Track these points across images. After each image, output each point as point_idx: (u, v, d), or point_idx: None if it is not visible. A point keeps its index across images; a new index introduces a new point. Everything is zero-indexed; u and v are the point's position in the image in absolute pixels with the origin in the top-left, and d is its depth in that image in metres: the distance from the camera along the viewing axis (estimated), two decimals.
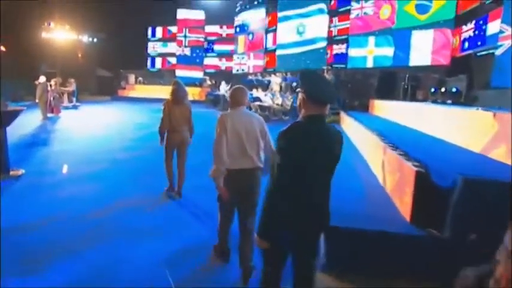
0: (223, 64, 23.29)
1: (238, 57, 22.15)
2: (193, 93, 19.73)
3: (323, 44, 15.67)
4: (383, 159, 4.34)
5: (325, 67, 15.07)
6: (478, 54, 9.07)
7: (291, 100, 13.44)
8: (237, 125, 2.61)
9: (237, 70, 22.16)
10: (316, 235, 1.94)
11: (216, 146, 2.58)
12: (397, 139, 4.64)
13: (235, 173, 2.60)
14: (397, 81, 11.30)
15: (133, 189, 4.83)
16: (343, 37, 14.68)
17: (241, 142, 2.61)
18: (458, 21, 10.30)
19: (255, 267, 2.64)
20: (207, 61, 23.64)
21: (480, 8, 9.31)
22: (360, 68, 14.08)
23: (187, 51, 23.09)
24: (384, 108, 9.55)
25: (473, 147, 4.01)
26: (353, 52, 14.26)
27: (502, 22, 7.88)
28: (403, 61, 12.20)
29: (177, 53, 23.16)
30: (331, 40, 15.31)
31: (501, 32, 7.90)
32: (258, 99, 15.21)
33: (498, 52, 7.99)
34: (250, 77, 20.44)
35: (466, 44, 9.80)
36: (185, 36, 23.00)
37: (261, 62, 20.03)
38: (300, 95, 1.82)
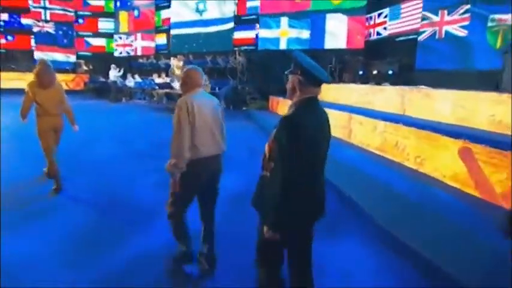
0: (100, 44, 19.33)
1: (120, 38, 18.87)
2: (64, 80, 15.78)
3: (230, 25, 14.74)
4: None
5: (236, 49, 14.33)
6: (397, 39, 10.05)
7: (209, 85, 12.23)
8: (203, 109, 2.41)
9: (120, 53, 18.91)
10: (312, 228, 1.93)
11: (178, 137, 2.31)
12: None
13: (204, 160, 2.42)
14: (322, 63, 11.60)
15: None
16: (253, 17, 14.11)
17: (210, 127, 2.45)
18: (372, 7, 11.11)
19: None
20: (92, 42, 19.11)
21: None
22: (272, 50, 13.88)
23: (49, 28, 18.16)
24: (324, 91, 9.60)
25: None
26: (264, 33, 13.91)
27: (424, 10, 8.83)
28: (319, 44, 12.59)
29: (35, 30, 17.94)
30: (239, 20, 14.52)
31: (424, 19, 8.86)
32: (165, 85, 13.31)
33: (421, 38, 8.97)
34: (141, 61, 17.77)
35: (382, 29, 10.72)
36: (44, 8, 17.96)
37: (152, 44, 17.58)
38: (295, 77, 1.73)
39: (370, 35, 11.11)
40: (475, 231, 2.80)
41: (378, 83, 8.83)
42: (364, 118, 5.46)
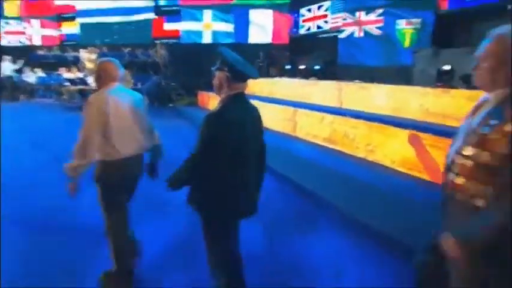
0: None
1: (8, 23, 16.03)
2: None
3: (149, 15, 13.77)
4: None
5: (157, 42, 13.50)
6: (320, 36, 10.72)
7: (131, 81, 11.30)
8: (120, 106, 2.21)
9: (9, 42, 16.10)
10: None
11: (83, 136, 2.10)
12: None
13: (125, 161, 2.23)
14: (250, 58, 11.70)
15: None
16: (174, 8, 13.44)
17: (129, 125, 2.26)
18: (296, 4, 11.58)
19: None
20: None
21: None
22: (198, 44, 13.47)
23: None
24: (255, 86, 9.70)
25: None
26: (186, 26, 13.39)
27: (345, 11, 9.57)
28: (244, 38, 12.66)
29: None
30: (159, 11, 13.66)
31: (344, 19, 9.61)
32: (79, 81, 11.84)
33: (342, 35, 9.73)
34: (41, 52, 15.41)
35: (306, 26, 11.27)
36: None
37: (55, 33, 15.40)
38: (222, 74, 1.73)
39: (309, 29, 11.30)
40: (425, 205, 3.07)
41: (306, 78, 9.31)
42: (309, 111, 5.71)
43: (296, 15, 11.60)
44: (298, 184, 4.52)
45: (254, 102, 7.63)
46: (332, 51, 9.97)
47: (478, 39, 1.48)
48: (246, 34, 12.63)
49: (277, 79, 9.02)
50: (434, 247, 1.45)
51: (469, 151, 1.35)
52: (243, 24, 12.58)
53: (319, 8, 10.59)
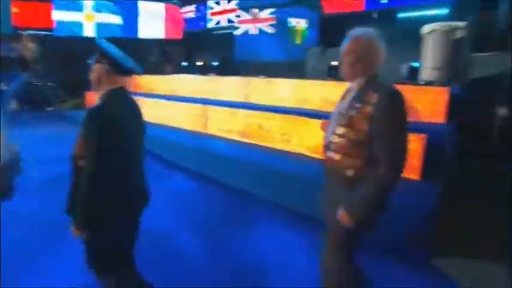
0: None
1: None
2: None
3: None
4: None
5: (24, 32, 11.32)
6: (215, 32, 10.71)
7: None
8: None
9: None
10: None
11: None
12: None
13: None
14: (142, 54, 10.89)
15: None
16: None
17: None
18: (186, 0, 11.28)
19: None
20: None
21: None
22: (77, 37, 11.82)
23: None
24: (151, 83, 9.11)
25: None
26: (62, 16, 11.61)
27: (240, 8, 9.78)
28: (132, 32, 11.72)
29: None
30: None
31: (237, 16, 9.83)
32: None
33: (237, 32, 9.95)
34: None
35: (215, 20, 10.98)
36: None
37: None
38: (100, 67, 1.63)
39: (218, 22, 10.97)
40: None
41: (204, 74, 9.26)
42: (220, 107, 5.68)
43: (203, 7, 11.26)
44: (221, 182, 4.47)
45: (156, 100, 7.32)
46: (228, 47, 10.13)
47: None
48: (135, 28, 11.72)
49: (178, 76, 8.67)
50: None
51: (341, 130, 1.60)
52: (131, 17, 11.64)
53: (229, 1, 10.47)
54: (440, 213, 2.98)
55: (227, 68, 9.70)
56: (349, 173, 1.58)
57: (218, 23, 10.91)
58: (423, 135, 3.48)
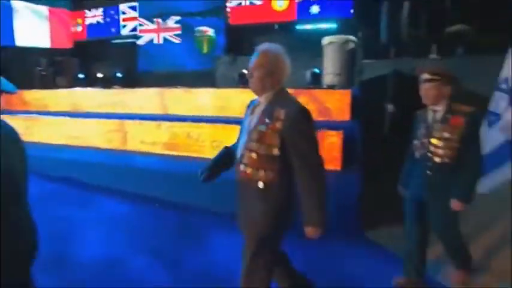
0: None
1: None
2: None
3: None
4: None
5: None
6: (114, 42, 9.98)
7: None
8: None
9: None
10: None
11: None
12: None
13: None
14: (26, 65, 9.41)
15: None
16: None
17: None
18: (78, 4, 10.22)
19: None
20: None
21: None
22: None
23: None
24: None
25: None
26: None
27: (140, 16, 9.35)
28: (8, 40, 10.03)
29: None
30: None
31: (140, 25, 9.41)
32: None
33: (140, 42, 9.54)
34: None
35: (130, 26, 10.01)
36: None
37: None
38: None
39: (135, 29, 9.93)
40: None
41: (107, 87, 8.64)
42: (140, 121, 5.43)
43: (113, 11, 10.19)
44: (157, 198, 4.30)
45: (56, 118, 6.56)
46: (131, 58, 9.63)
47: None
48: (11, 34, 10.08)
49: (82, 89, 7.83)
50: None
51: (252, 145, 1.68)
52: (5, 22, 9.96)
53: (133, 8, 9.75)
54: (365, 193, 3.54)
55: (132, 80, 9.21)
56: (261, 185, 1.67)
57: (135, 29, 10.00)
58: (340, 131, 4.06)
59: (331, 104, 4.90)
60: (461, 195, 2.11)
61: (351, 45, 5.68)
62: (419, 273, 2.36)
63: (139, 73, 9.57)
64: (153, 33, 9.35)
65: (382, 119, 5.08)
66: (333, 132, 4.05)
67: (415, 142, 2.31)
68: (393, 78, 5.04)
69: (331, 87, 5.70)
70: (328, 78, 5.94)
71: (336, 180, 3.76)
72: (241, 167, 1.74)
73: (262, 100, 1.72)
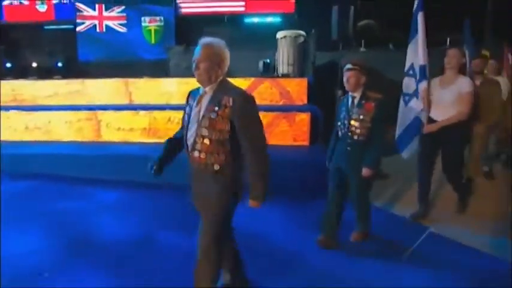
0: None
1: None
2: None
3: None
4: None
5: None
6: (46, 27, 9.17)
7: None
8: None
9: None
10: None
11: None
12: None
13: None
14: None
15: None
16: None
17: None
18: None
19: None
20: None
21: None
22: None
23: None
24: None
25: None
26: None
27: (77, 1, 8.76)
28: None
29: None
30: None
31: (79, 11, 8.86)
32: None
33: (80, 29, 9.00)
34: None
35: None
36: None
37: None
38: None
39: None
40: None
41: (44, 77, 8.08)
42: (113, 111, 5.49)
43: None
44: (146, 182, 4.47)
45: (11, 112, 6.04)
46: (69, 46, 9.04)
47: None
48: None
49: (32, 81, 7.12)
50: None
51: (204, 132, 1.80)
52: None
53: None
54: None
55: (74, 70, 8.72)
56: (216, 167, 1.81)
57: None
58: (309, 113, 4.88)
59: (291, 88, 5.68)
60: (370, 164, 2.65)
61: (302, 39, 6.50)
62: (334, 232, 2.85)
63: (81, 63, 9.09)
64: (95, 20, 8.93)
65: (334, 103, 6.05)
66: (303, 115, 4.84)
67: (339, 123, 2.80)
68: (341, 68, 6.05)
69: (286, 75, 6.47)
70: (282, 68, 6.68)
71: (304, 153, 4.60)
72: (195, 153, 1.84)
73: (208, 90, 1.82)
